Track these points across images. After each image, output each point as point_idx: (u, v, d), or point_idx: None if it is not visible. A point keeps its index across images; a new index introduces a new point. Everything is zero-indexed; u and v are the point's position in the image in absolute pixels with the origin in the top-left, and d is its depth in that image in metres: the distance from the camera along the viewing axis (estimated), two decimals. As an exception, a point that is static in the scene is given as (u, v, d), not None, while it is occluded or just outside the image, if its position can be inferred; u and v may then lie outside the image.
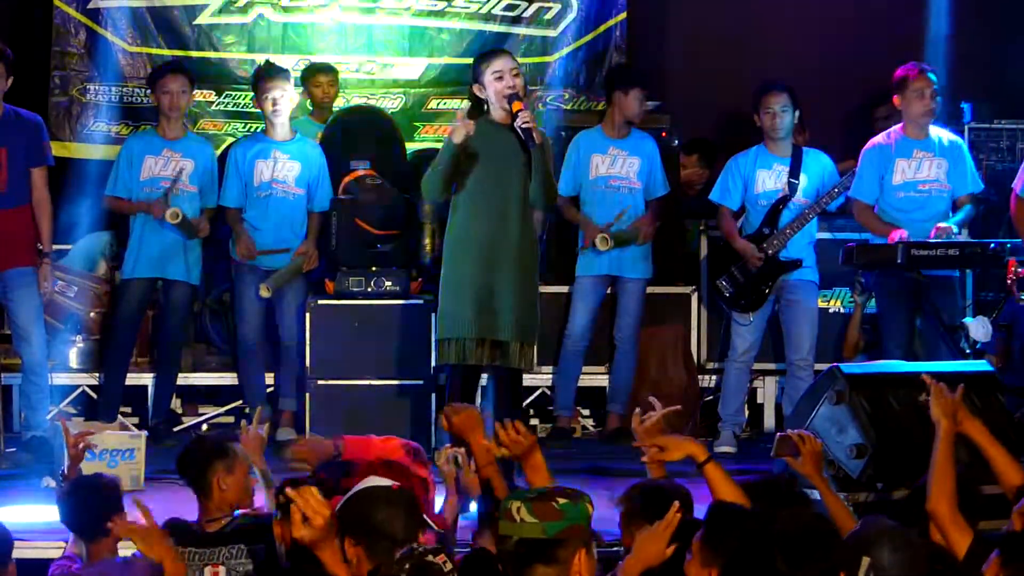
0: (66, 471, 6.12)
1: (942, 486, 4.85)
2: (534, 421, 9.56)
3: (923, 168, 8.39)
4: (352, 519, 4.20)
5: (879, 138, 8.47)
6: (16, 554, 5.94)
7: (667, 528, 4.32)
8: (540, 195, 7.21)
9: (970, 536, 4.73)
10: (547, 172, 7.20)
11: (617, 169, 9.00)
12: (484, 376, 7.55)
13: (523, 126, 7.05)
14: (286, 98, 8.91)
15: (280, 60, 10.39)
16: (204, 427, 9.31)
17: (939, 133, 8.47)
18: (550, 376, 9.35)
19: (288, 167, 8.93)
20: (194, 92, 9.23)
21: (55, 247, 9.87)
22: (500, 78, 7.16)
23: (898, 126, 8.43)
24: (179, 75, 8.86)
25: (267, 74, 8.99)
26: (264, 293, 8.78)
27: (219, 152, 10.09)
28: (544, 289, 9.32)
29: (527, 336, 7.25)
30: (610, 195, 8.98)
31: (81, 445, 6.10)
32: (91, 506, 5.50)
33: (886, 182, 8.39)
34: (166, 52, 10.44)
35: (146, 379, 9.12)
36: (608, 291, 9.13)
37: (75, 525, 5.58)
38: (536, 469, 5.01)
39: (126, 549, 5.67)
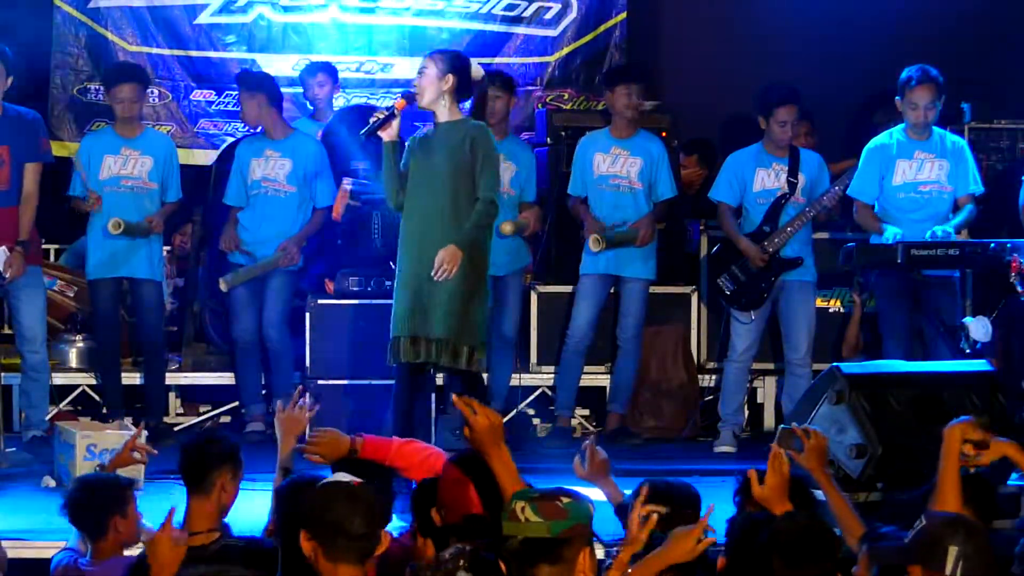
0: (108, 464, 6.13)
1: (946, 505, 4.76)
2: (535, 421, 9.57)
3: (924, 169, 8.38)
4: (310, 513, 4.15)
5: (881, 137, 8.47)
6: (16, 554, 5.98)
7: (700, 530, 4.31)
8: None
9: None
10: (391, 172, 7.19)
11: (618, 168, 8.99)
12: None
13: (372, 120, 7.13)
14: (243, 106, 8.98)
15: (280, 60, 10.43)
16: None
17: (942, 134, 8.46)
18: (550, 376, 9.36)
19: (279, 165, 8.93)
20: (148, 93, 9.33)
21: (54, 247, 9.95)
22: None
23: (900, 126, 8.42)
24: (132, 83, 8.77)
25: (238, 85, 9.16)
26: (222, 287, 8.81)
27: (219, 151, 10.13)
28: (544, 289, 9.39)
29: (462, 335, 7.17)
30: (611, 194, 8.98)
31: (138, 453, 6.15)
32: (92, 504, 5.49)
33: (886, 182, 8.39)
34: (166, 52, 10.46)
35: (137, 378, 9.10)
36: (611, 291, 9.12)
37: (80, 522, 5.57)
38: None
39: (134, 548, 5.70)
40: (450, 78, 7.10)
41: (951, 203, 8.40)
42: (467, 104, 7.42)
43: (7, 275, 8.16)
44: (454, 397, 4.69)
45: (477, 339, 7.17)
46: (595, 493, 5.51)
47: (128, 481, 5.73)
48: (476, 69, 7.23)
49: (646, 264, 9.03)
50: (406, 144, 7.33)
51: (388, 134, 7.16)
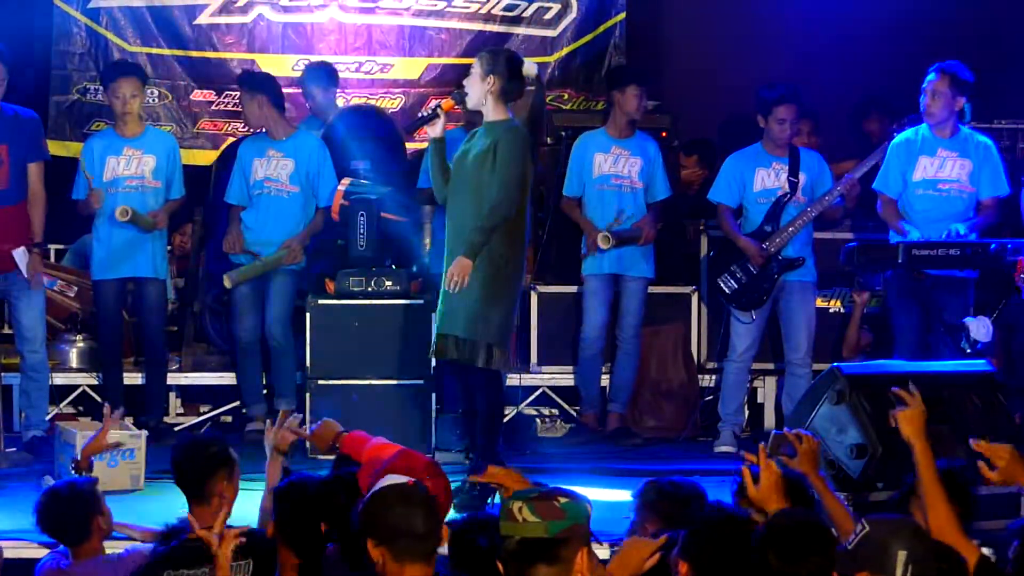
0: (79, 459, 6.15)
1: (937, 509, 4.76)
2: (551, 420, 9.59)
3: (946, 167, 8.34)
4: (372, 520, 4.18)
5: (907, 132, 8.43)
6: (15, 554, 5.99)
7: (653, 547, 4.33)
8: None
9: (976, 554, 4.68)
10: (436, 168, 7.29)
11: (619, 168, 9.00)
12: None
13: (423, 113, 7.23)
14: (245, 108, 8.98)
15: (280, 60, 10.42)
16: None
17: (969, 133, 8.41)
18: (551, 376, 9.37)
19: (281, 165, 8.93)
20: (149, 93, 9.31)
21: (55, 247, 9.96)
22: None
23: (927, 123, 8.39)
24: (131, 78, 8.78)
25: (240, 86, 9.16)
26: (226, 283, 8.82)
27: (220, 151, 10.13)
28: (545, 289, 9.40)
29: (480, 333, 7.17)
30: (611, 194, 8.99)
31: (111, 441, 6.19)
32: (68, 515, 5.50)
33: (907, 178, 8.36)
34: (166, 52, 10.46)
35: (139, 378, 9.11)
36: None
37: (55, 535, 5.58)
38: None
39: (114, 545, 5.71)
40: (492, 79, 7.13)
41: (971, 204, 8.32)
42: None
43: (30, 277, 8.20)
44: (474, 478, 4.83)
45: (495, 338, 7.17)
46: (593, 493, 5.52)
47: (93, 479, 5.77)
48: (528, 67, 7.24)
49: (647, 263, 9.05)
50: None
51: (434, 131, 7.25)
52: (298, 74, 10.16)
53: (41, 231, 8.33)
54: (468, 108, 7.37)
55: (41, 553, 5.91)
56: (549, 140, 9.60)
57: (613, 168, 9.01)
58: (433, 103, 7.29)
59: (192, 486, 5.28)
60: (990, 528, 5.48)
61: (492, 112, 7.19)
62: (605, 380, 9.24)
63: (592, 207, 9.03)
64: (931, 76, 8.22)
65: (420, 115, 7.37)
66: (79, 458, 6.27)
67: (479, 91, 7.18)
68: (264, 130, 9.01)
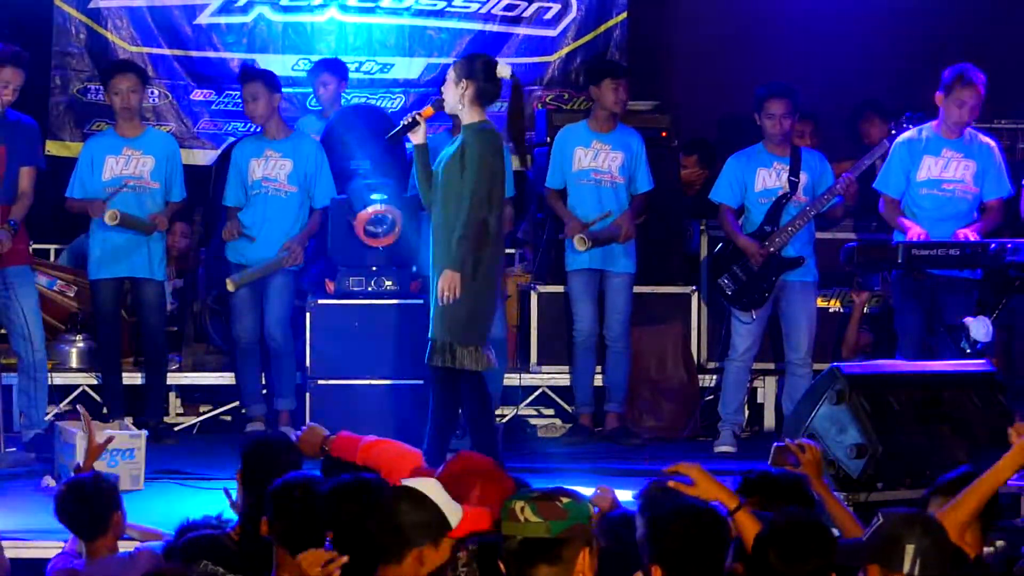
0: (82, 463, 6.15)
1: (960, 509, 4.72)
2: (537, 421, 9.58)
3: (950, 168, 8.33)
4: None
5: (911, 132, 8.41)
6: (16, 554, 5.99)
7: None
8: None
9: (973, 553, 4.68)
10: (421, 174, 7.28)
11: (599, 163, 9.01)
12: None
13: (404, 122, 7.27)
14: (261, 101, 8.92)
15: (280, 60, 10.41)
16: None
17: (973, 134, 8.40)
18: (550, 376, 9.37)
19: (280, 165, 8.93)
20: (149, 93, 9.30)
21: (54, 247, 9.97)
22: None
23: (933, 122, 8.38)
24: (129, 74, 8.80)
25: (241, 79, 9.11)
26: (229, 287, 8.82)
27: (219, 152, 10.13)
28: (544, 289, 9.41)
29: (446, 334, 7.13)
30: (592, 189, 8.99)
31: (104, 439, 6.21)
32: (89, 506, 5.50)
33: (911, 177, 8.35)
34: (166, 52, 10.46)
35: (139, 378, 9.11)
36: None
37: (73, 525, 5.58)
38: None
39: (126, 544, 5.71)
40: (465, 83, 7.13)
41: (975, 205, 8.32)
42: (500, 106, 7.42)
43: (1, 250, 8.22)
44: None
45: (457, 335, 7.12)
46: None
47: (115, 476, 5.78)
48: (502, 69, 7.24)
49: (628, 259, 9.05)
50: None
51: (416, 139, 7.26)
52: (297, 74, 10.16)
53: (18, 217, 8.32)
54: (447, 113, 7.37)
55: (43, 553, 5.92)
56: (549, 140, 9.59)
57: (593, 163, 9.01)
58: (417, 109, 7.30)
59: (258, 479, 5.24)
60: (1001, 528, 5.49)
61: (467, 116, 7.20)
62: (599, 380, 9.24)
63: (573, 201, 9.04)
64: (961, 87, 8.15)
65: (401, 124, 7.36)
66: (81, 465, 6.26)
67: (454, 97, 7.20)
68: (260, 129, 9.02)
